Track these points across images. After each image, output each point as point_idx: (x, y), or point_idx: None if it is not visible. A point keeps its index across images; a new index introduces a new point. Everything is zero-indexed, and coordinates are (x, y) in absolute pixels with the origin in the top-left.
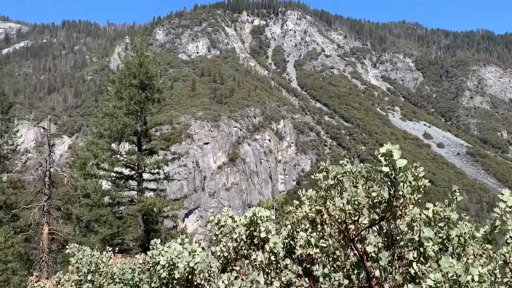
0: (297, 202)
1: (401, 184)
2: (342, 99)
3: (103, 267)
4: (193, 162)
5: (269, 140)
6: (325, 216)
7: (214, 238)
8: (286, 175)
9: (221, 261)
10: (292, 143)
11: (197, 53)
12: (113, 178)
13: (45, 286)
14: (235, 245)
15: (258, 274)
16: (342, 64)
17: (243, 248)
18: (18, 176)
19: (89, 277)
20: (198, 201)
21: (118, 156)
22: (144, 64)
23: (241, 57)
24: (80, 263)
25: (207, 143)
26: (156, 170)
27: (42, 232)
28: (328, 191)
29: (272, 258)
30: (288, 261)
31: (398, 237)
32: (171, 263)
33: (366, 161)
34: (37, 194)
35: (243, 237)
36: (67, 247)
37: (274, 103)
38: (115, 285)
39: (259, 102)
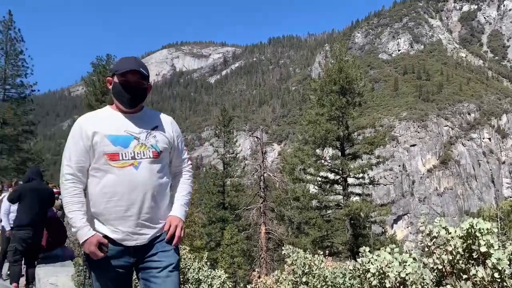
0: None
1: None
2: None
3: (316, 269)
4: (399, 166)
5: (489, 139)
6: None
7: (426, 249)
8: None
9: (434, 274)
10: None
11: (398, 50)
12: (319, 183)
13: (266, 282)
14: (450, 258)
15: None
16: None
17: (460, 262)
18: (239, 180)
19: (304, 279)
20: (407, 207)
21: (323, 161)
22: (344, 69)
23: (449, 49)
24: (295, 264)
25: (414, 145)
26: (361, 175)
27: (260, 232)
28: None
29: (496, 275)
30: None
31: None
32: (381, 271)
33: None
34: (255, 196)
35: (460, 250)
36: (282, 247)
37: (493, 96)
38: None
39: (473, 96)
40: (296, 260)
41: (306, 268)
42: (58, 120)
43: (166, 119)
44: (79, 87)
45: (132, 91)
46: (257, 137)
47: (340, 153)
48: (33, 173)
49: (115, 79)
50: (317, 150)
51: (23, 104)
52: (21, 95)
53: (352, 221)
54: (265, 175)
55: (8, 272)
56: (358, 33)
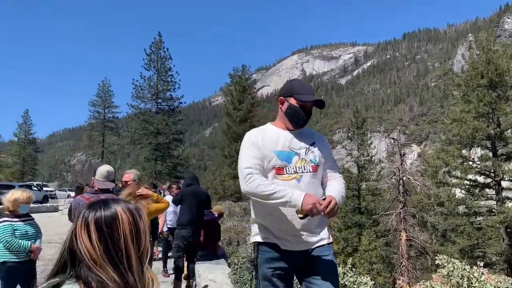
0: None
1: None
2: None
3: (475, 282)
4: None
5: None
6: None
7: None
8: None
9: None
10: None
11: None
12: (467, 186)
13: None
14: None
15: None
16: None
17: None
18: (375, 184)
19: None
20: None
21: (470, 163)
22: (492, 61)
23: None
24: (451, 275)
25: None
26: None
27: (400, 238)
28: None
29: None
30: None
31: None
32: None
33: None
34: (393, 201)
35: None
36: (426, 255)
37: None
38: None
39: None
40: (452, 271)
41: (465, 280)
42: (201, 128)
43: (320, 136)
44: (218, 97)
45: (307, 114)
46: (394, 139)
47: (491, 154)
48: (191, 178)
49: (292, 101)
50: (463, 151)
51: (173, 115)
52: (171, 107)
53: (508, 229)
54: (404, 178)
55: (173, 267)
56: (509, 18)
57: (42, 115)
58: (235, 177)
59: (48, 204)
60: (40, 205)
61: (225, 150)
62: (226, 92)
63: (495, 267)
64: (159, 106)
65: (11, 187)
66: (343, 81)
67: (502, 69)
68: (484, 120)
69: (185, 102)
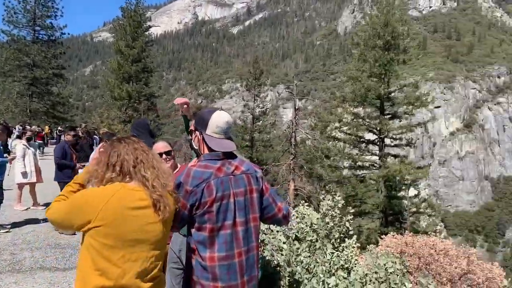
0: None
1: None
2: None
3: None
4: (421, 127)
5: None
6: None
7: None
8: None
9: None
10: None
11: (430, 7)
12: (355, 142)
13: None
14: None
15: None
16: None
17: None
18: (267, 136)
19: None
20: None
21: (360, 120)
22: (390, 23)
23: (484, 7)
24: None
25: (438, 107)
26: (399, 136)
27: (288, 188)
28: None
29: None
30: None
31: None
32: None
33: None
34: (284, 153)
35: None
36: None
37: None
38: None
39: (505, 59)
40: None
41: None
42: (80, 65)
43: None
44: (101, 33)
45: None
46: (291, 92)
47: (379, 112)
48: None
49: None
50: (355, 108)
51: (53, 47)
52: (51, 37)
53: (386, 183)
54: (296, 131)
55: None
56: None
57: None
58: (125, 121)
59: None
60: None
61: (114, 91)
62: (116, 27)
63: (372, 216)
64: (36, 35)
65: None
66: (235, 30)
67: (397, 32)
68: (377, 80)
69: (68, 34)
